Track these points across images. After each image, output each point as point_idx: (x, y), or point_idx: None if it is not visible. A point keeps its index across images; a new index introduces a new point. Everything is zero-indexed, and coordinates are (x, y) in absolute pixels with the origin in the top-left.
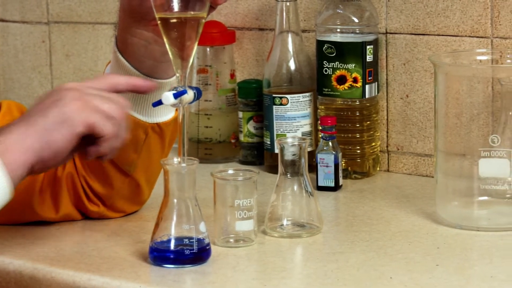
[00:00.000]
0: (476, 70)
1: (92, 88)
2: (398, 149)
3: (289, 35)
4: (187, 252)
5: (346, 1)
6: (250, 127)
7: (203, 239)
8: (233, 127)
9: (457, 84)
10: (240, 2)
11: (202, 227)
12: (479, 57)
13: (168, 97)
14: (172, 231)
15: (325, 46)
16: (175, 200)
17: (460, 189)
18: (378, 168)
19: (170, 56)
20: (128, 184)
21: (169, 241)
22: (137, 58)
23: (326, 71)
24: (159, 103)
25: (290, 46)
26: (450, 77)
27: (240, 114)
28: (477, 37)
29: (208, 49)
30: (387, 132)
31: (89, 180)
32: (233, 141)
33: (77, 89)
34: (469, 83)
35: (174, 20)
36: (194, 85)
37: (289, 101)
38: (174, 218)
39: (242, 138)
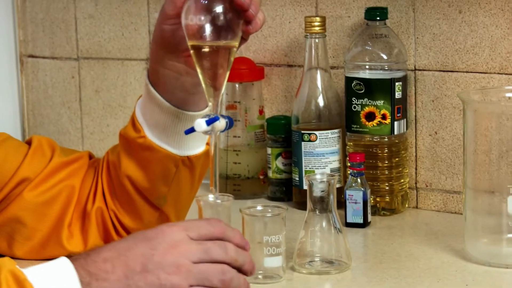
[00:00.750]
0: (505, 107)
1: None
2: (426, 186)
3: (318, 71)
4: None
5: (375, 38)
6: (279, 163)
7: None
8: (262, 163)
9: (486, 121)
10: (268, 39)
11: None
12: (508, 94)
13: (200, 124)
14: None
15: (354, 83)
16: None
17: (489, 226)
18: (406, 205)
19: (203, 84)
20: (158, 218)
21: None
22: (168, 90)
23: (354, 107)
24: (191, 130)
25: (319, 83)
26: (479, 114)
27: (269, 150)
28: (506, 74)
29: (237, 85)
30: (416, 169)
31: (119, 214)
32: (261, 177)
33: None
34: (498, 120)
35: (206, 49)
36: None
37: (318, 137)
38: None
39: (270, 174)
